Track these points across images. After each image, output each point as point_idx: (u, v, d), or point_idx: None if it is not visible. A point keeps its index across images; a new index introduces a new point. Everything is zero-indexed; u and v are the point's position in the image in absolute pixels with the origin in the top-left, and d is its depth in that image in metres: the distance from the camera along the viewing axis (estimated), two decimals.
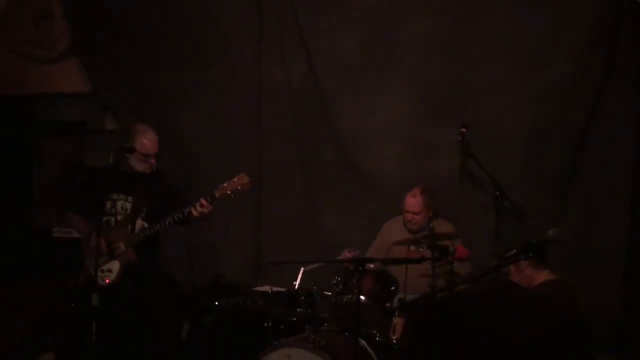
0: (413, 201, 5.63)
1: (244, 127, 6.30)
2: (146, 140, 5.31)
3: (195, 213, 5.13)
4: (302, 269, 5.45)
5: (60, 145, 7.06)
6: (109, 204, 5.34)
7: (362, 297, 4.88)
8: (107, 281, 5.25)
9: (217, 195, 5.16)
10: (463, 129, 5.50)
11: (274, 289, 5.63)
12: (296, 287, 5.44)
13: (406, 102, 5.94)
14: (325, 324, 5.11)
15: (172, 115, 6.42)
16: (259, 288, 5.77)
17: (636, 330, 5.35)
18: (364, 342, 4.81)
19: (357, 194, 6.09)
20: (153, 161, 5.38)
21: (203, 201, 5.11)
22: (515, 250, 4.23)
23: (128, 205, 5.37)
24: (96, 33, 6.54)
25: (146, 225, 5.29)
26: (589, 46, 5.48)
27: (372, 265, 5.12)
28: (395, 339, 5.00)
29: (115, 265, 5.29)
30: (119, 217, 5.36)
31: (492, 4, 5.73)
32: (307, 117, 6.17)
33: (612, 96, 5.46)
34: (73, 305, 5.51)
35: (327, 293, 5.13)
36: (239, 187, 5.17)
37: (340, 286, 5.05)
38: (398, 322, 5.05)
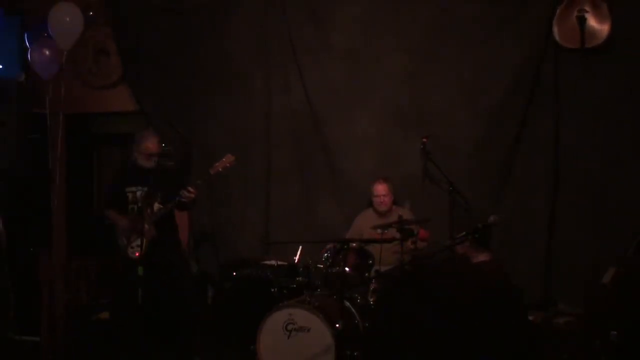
0: (381, 187, 5.64)
1: (256, 139, 6.27)
2: (150, 144, 5.22)
3: (184, 198, 5.00)
4: (300, 247, 5.48)
5: (113, 152, 7.05)
6: (130, 195, 5.25)
7: (347, 269, 4.95)
8: (137, 254, 5.11)
9: (211, 173, 5.10)
10: (424, 140, 5.51)
11: (279, 262, 5.68)
12: (296, 261, 5.47)
13: (380, 119, 5.96)
14: (319, 290, 5.15)
15: (201, 130, 6.40)
16: (267, 262, 5.75)
17: (555, 293, 5.40)
18: (348, 303, 4.87)
19: (341, 190, 6.07)
20: (156, 158, 5.21)
21: (190, 188, 5.01)
22: (464, 232, 4.26)
23: (144, 194, 5.25)
24: (142, 66, 6.52)
25: (161, 207, 5.20)
26: (517, 79, 5.53)
27: (354, 244, 5.16)
28: (372, 301, 5.03)
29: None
30: (139, 204, 5.25)
31: (443, 46, 5.75)
32: (304, 131, 6.15)
33: (535, 117, 5.52)
34: (122, 274, 5.49)
35: (320, 266, 5.18)
36: (228, 165, 5.11)
37: (330, 260, 5.07)
38: (374, 288, 5.07)
